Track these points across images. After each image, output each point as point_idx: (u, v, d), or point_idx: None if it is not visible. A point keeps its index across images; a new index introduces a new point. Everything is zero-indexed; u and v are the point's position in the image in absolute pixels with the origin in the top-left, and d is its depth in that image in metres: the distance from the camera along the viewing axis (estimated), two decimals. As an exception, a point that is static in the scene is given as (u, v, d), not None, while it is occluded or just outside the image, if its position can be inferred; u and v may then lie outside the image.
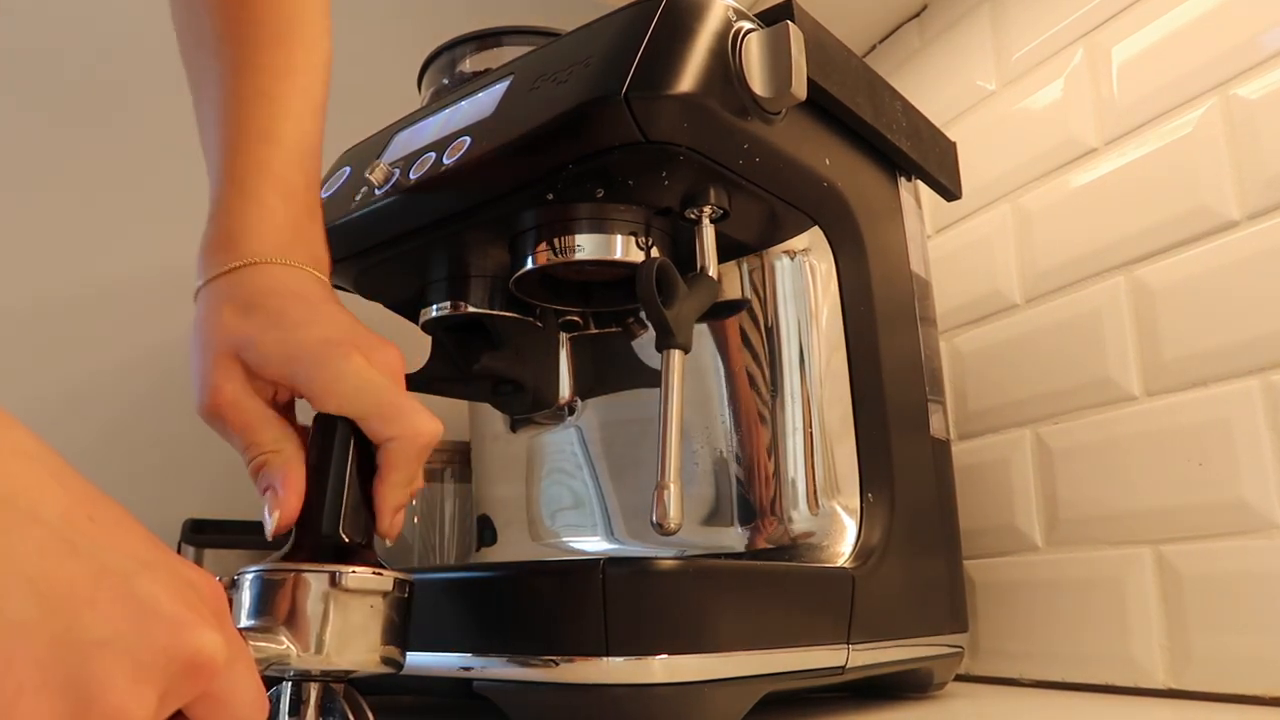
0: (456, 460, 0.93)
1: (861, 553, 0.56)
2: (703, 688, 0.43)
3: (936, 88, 0.88)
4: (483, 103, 0.56)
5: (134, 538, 0.30)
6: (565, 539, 0.69)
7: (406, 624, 0.41)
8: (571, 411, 0.67)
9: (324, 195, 0.64)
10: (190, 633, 0.27)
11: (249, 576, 0.39)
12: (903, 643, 0.58)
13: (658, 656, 0.42)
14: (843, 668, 0.52)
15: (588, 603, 0.42)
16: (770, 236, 0.61)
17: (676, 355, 0.49)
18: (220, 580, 0.34)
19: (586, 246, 0.55)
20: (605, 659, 0.42)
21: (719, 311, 0.63)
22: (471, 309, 0.61)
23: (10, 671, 0.24)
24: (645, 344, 0.66)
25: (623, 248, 0.55)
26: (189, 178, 1.01)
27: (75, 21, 0.98)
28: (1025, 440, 0.75)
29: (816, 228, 0.60)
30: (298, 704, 0.40)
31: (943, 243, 0.86)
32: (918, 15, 0.93)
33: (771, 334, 0.61)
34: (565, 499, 0.70)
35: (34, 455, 0.29)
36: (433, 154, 0.56)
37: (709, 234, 0.54)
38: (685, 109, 0.48)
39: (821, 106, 0.58)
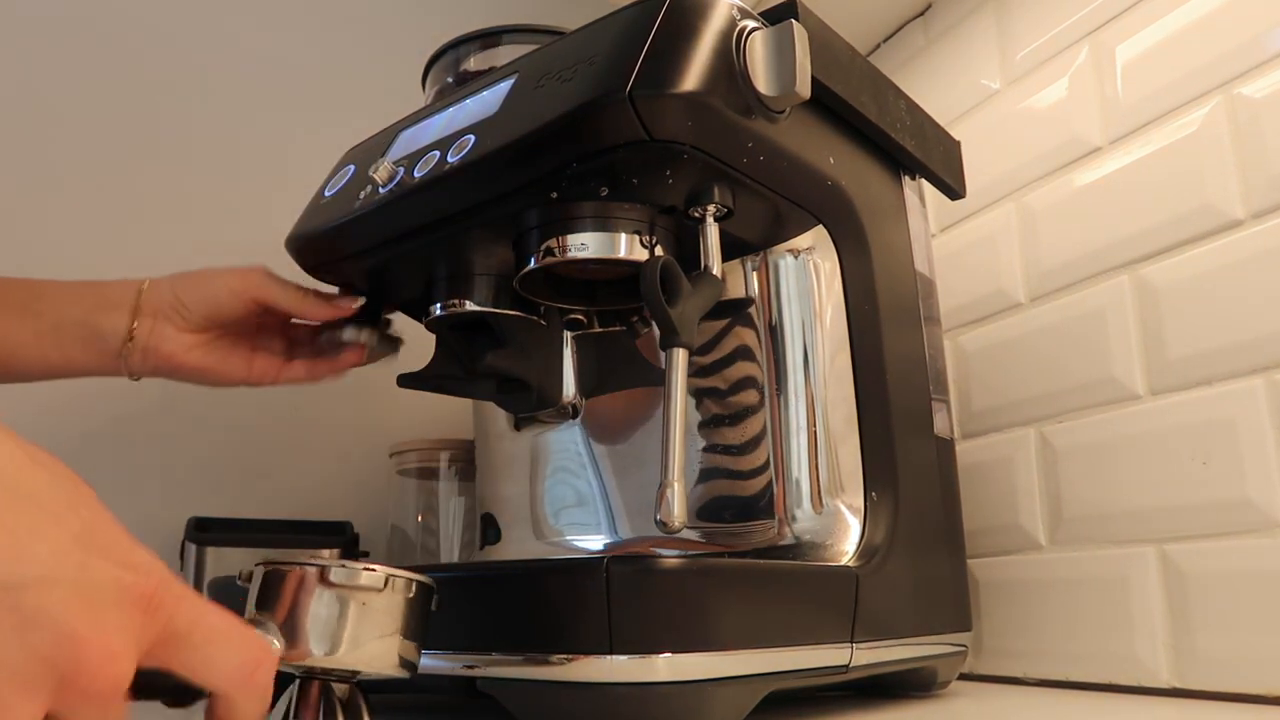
0: (460, 459, 0.93)
1: (865, 552, 0.56)
2: (706, 686, 0.43)
3: (941, 86, 0.88)
4: (487, 101, 0.56)
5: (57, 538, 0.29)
6: (569, 537, 0.69)
7: (423, 626, 0.41)
8: (575, 410, 0.67)
9: (328, 194, 0.64)
10: (78, 645, 0.28)
11: (258, 569, 0.39)
12: (906, 642, 0.58)
13: (661, 655, 0.42)
14: (846, 666, 0.52)
15: (592, 601, 0.42)
16: (774, 235, 0.61)
17: (680, 354, 0.49)
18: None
19: (590, 245, 0.55)
20: (609, 657, 0.42)
21: (722, 310, 0.63)
22: (476, 307, 0.61)
23: None
24: (649, 342, 0.66)
25: (627, 246, 0.55)
26: (190, 178, 1.01)
27: (74, 22, 0.99)
28: (1029, 439, 0.75)
29: (821, 226, 0.60)
30: (303, 704, 0.40)
31: (947, 241, 0.86)
32: (922, 14, 0.93)
33: (775, 333, 0.61)
34: (569, 497, 0.70)
35: None
36: (437, 152, 0.56)
37: (713, 233, 0.54)
38: (689, 108, 0.48)
39: (826, 105, 0.58)
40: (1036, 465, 0.74)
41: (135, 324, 0.68)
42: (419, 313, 0.67)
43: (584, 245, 0.55)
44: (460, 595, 0.49)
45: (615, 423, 0.69)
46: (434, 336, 0.69)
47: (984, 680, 0.75)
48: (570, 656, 0.43)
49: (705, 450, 0.63)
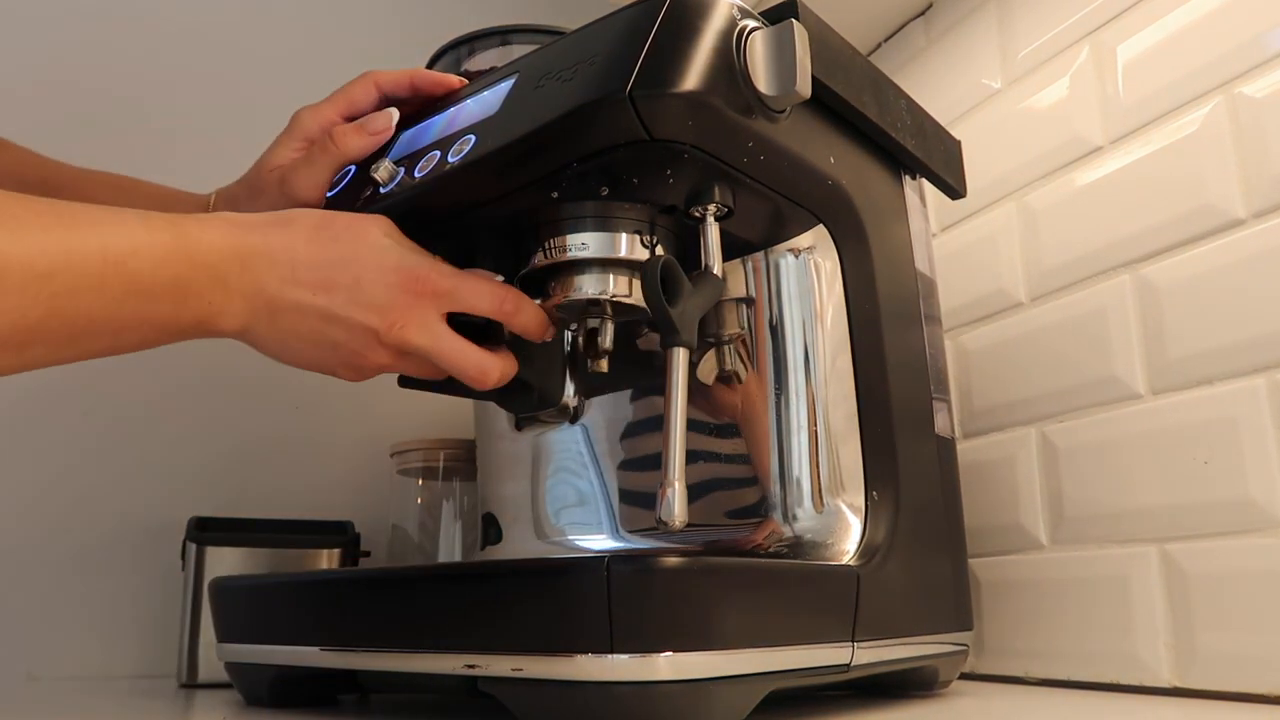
0: (462, 459, 0.93)
1: (866, 551, 0.56)
2: (708, 685, 0.43)
3: (942, 86, 0.88)
4: (487, 101, 0.56)
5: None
6: (570, 537, 0.69)
7: None
8: (576, 410, 0.67)
9: (329, 194, 0.64)
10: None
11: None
12: (908, 641, 0.58)
13: (663, 654, 0.42)
14: (848, 666, 0.52)
15: (593, 600, 0.42)
16: (775, 235, 0.61)
17: (681, 353, 0.49)
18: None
19: (591, 245, 0.55)
20: (610, 656, 0.42)
21: (723, 310, 0.63)
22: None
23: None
24: (650, 342, 0.66)
25: (627, 246, 0.55)
26: (190, 178, 1.01)
27: (71, 21, 0.99)
28: (1030, 438, 0.75)
29: (821, 226, 0.60)
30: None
31: (948, 241, 0.86)
32: (923, 13, 0.93)
33: (776, 332, 0.61)
34: (570, 497, 0.70)
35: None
36: (437, 152, 0.56)
37: (713, 232, 0.54)
38: (690, 107, 0.48)
39: (826, 105, 0.58)
40: (1038, 464, 0.74)
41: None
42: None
43: (584, 245, 0.55)
44: (462, 595, 0.49)
45: (616, 422, 0.69)
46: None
47: (985, 680, 0.75)
48: (571, 656, 0.43)
49: (706, 449, 0.63)
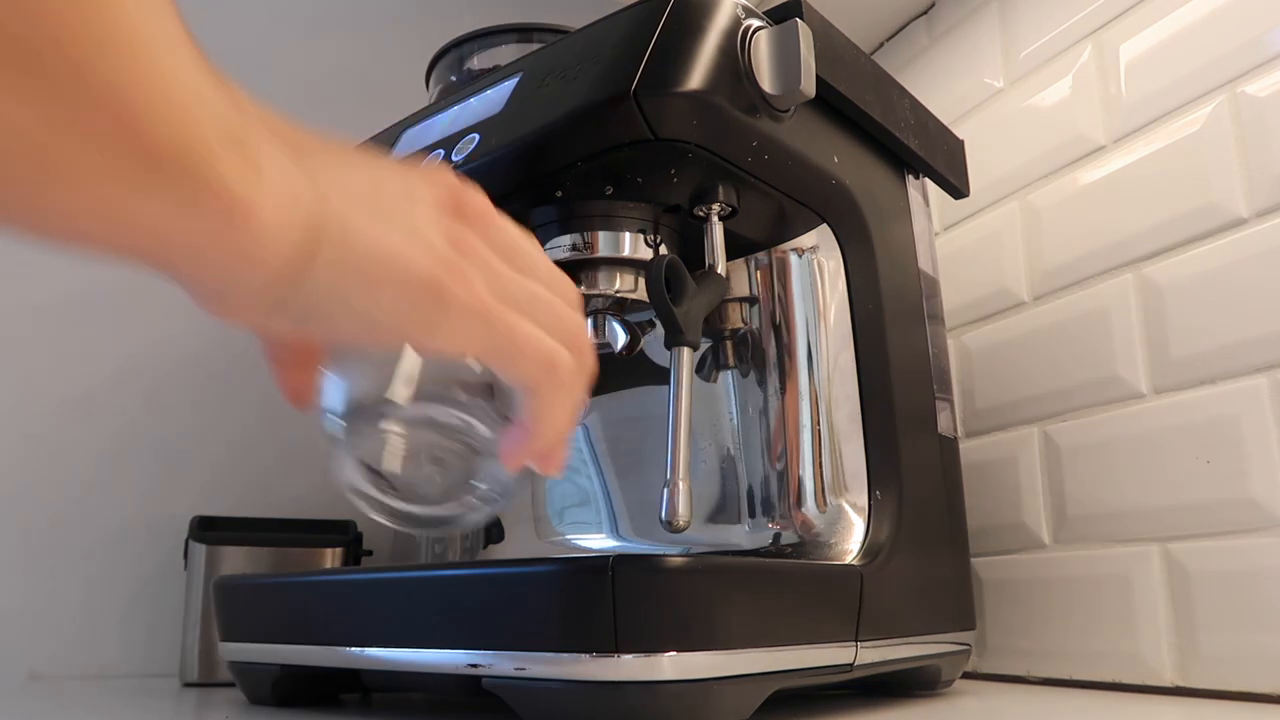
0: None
1: (869, 550, 0.56)
2: (712, 685, 0.43)
3: (945, 85, 0.88)
4: (491, 100, 0.56)
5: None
6: (571, 537, 0.70)
7: None
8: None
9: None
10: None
11: None
12: (911, 640, 0.58)
13: (667, 654, 0.42)
14: (851, 665, 0.52)
15: (597, 600, 0.42)
16: (779, 234, 0.61)
17: (685, 353, 0.49)
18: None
19: (595, 244, 0.55)
20: (614, 656, 0.42)
21: (727, 309, 0.63)
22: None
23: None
24: (653, 341, 0.66)
25: (631, 245, 0.55)
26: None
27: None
28: (1033, 438, 0.75)
29: (825, 225, 0.60)
30: None
31: (950, 240, 0.86)
32: (926, 13, 0.93)
33: (779, 331, 0.61)
34: (572, 497, 0.70)
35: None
36: (441, 151, 0.56)
37: (718, 231, 0.54)
38: (694, 107, 0.48)
39: (830, 104, 0.58)
40: (1040, 464, 0.74)
41: None
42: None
43: (588, 244, 0.55)
44: (465, 594, 0.49)
45: (618, 422, 0.69)
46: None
47: (988, 679, 0.75)
48: (575, 655, 0.43)
49: (710, 449, 0.63)
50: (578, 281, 0.56)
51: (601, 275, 0.56)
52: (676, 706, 0.43)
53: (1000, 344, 0.79)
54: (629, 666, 0.42)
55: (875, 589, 0.54)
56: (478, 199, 0.35)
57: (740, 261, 0.63)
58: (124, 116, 0.24)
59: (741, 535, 0.62)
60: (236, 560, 0.83)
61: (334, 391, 0.36)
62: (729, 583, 0.46)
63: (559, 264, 0.56)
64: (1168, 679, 0.63)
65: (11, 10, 0.22)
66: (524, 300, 0.34)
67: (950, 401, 0.67)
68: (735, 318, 0.63)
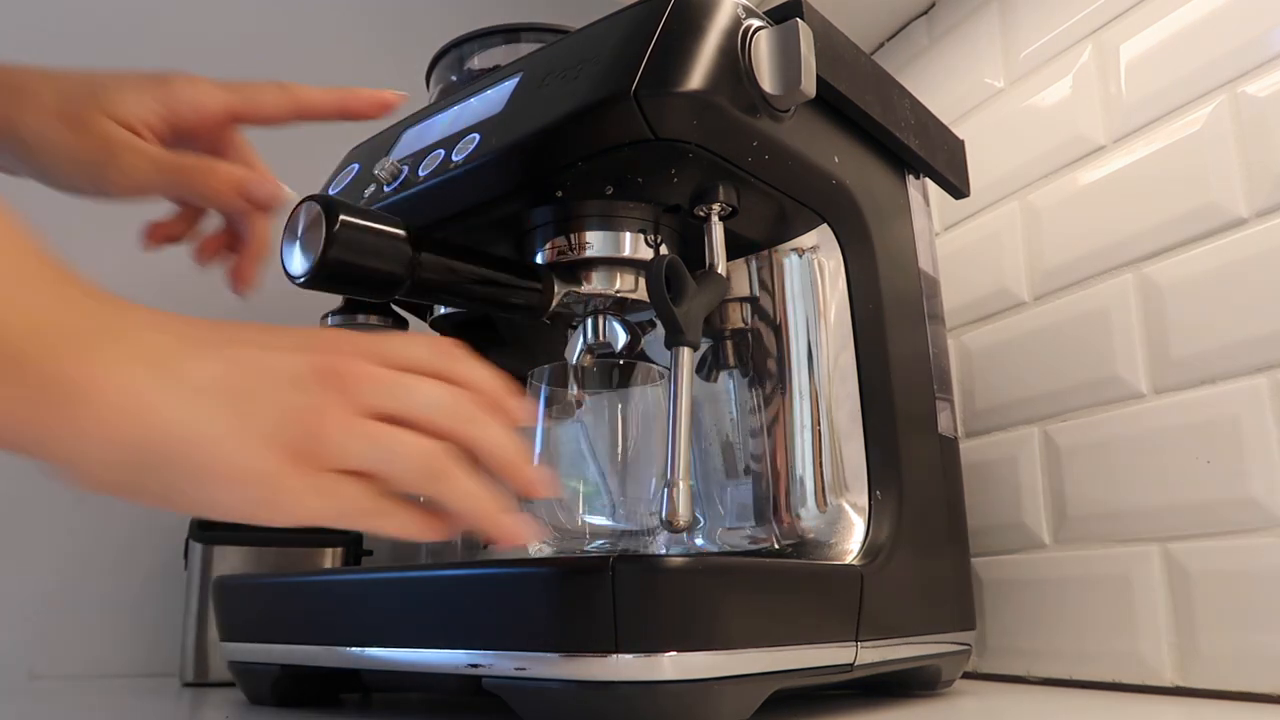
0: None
1: (870, 550, 0.56)
2: (712, 685, 0.43)
3: (945, 85, 0.88)
4: (492, 100, 0.56)
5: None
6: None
7: None
8: (579, 408, 0.67)
9: (332, 192, 0.64)
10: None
11: None
12: (911, 640, 0.58)
13: (667, 654, 0.42)
14: (851, 665, 0.52)
15: (597, 600, 0.42)
16: (779, 234, 0.61)
17: (685, 353, 0.49)
18: None
19: (595, 244, 0.55)
20: (615, 656, 0.42)
21: (727, 309, 0.63)
22: (479, 306, 0.61)
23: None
24: (653, 340, 0.66)
25: (631, 245, 0.55)
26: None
27: (76, 20, 0.99)
28: (1033, 438, 0.75)
29: (825, 225, 0.60)
30: None
31: (951, 240, 0.86)
32: (926, 13, 0.93)
33: (780, 332, 0.61)
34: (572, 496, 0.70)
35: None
36: (441, 151, 0.56)
37: (718, 231, 0.54)
38: (695, 106, 0.48)
39: (830, 104, 0.58)
40: (1040, 464, 0.74)
41: None
42: (423, 311, 0.68)
43: (589, 244, 0.55)
44: (465, 594, 0.49)
45: (617, 421, 0.69)
46: (437, 336, 0.69)
47: (988, 679, 0.75)
48: (576, 655, 0.43)
49: (710, 449, 0.63)
50: (578, 281, 0.56)
51: (602, 275, 0.56)
52: (676, 706, 0.43)
53: (1000, 344, 0.79)
54: (629, 666, 0.42)
55: (875, 589, 0.54)
56: (354, 365, 0.35)
57: (740, 261, 0.63)
58: None
59: (742, 535, 0.62)
60: (236, 560, 0.83)
61: None
62: (729, 582, 0.46)
63: (560, 264, 0.56)
64: (1168, 679, 0.63)
65: None
66: (398, 450, 0.35)
67: (950, 401, 0.67)
68: (735, 318, 0.63)
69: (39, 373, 0.28)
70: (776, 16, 0.54)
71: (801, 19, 0.51)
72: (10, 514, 0.87)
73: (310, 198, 0.48)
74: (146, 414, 0.30)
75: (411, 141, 0.61)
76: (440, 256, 0.51)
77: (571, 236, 0.55)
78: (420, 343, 0.39)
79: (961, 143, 0.74)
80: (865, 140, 0.62)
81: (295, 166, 0.98)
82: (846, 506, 0.58)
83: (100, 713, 0.62)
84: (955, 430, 0.68)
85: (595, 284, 0.56)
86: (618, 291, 0.57)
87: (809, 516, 0.59)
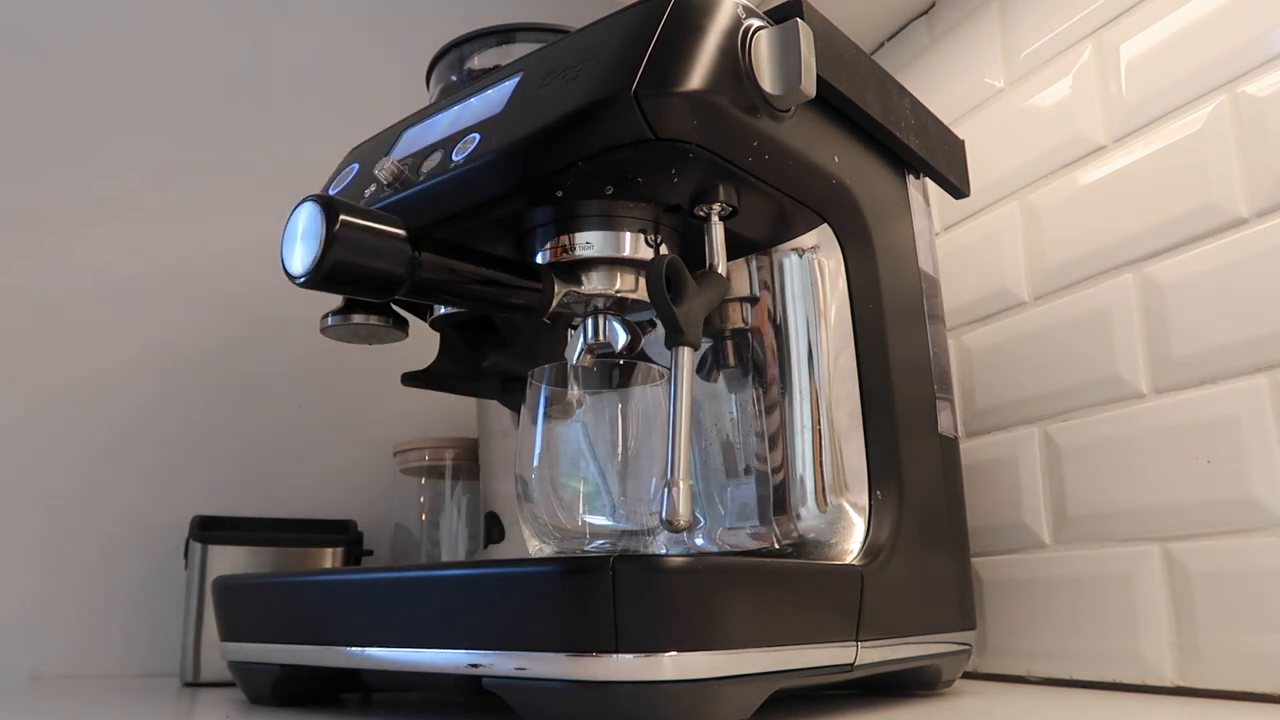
0: (464, 457, 0.93)
1: (870, 550, 0.56)
2: (712, 685, 0.43)
3: (945, 85, 0.88)
4: (492, 100, 0.56)
5: None
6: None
7: None
8: (580, 408, 0.67)
9: (331, 192, 0.64)
10: None
11: None
12: (911, 640, 0.58)
13: (667, 654, 0.42)
14: (852, 665, 0.52)
15: (597, 599, 0.42)
16: (779, 234, 0.61)
17: (686, 353, 0.49)
18: None
19: (595, 244, 0.55)
20: (615, 656, 0.42)
21: (727, 309, 0.63)
22: (480, 306, 0.60)
23: None
24: (654, 340, 0.66)
25: (631, 245, 0.55)
26: (190, 177, 1.01)
27: (87, 20, 0.99)
28: (1033, 438, 0.75)
29: (825, 225, 0.60)
30: None
31: (951, 240, 0.86)
32: (926, 13, 0.93)
33: (780, 331, 0.61)
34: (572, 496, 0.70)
35: None
36: (441, 151, 0.56)
37: (718, 231, 0.54)
38: (695, 106, 0.48)
39: (831, 104, 0.58)
40: (1040, 464, 0.74)
41: None
42: (423, 311, 0.68)
43: (589, 244, 0.55)
44: (465, 594, 0.49)
45: (618, 421, 0.69)
46: (438, 335, 0.69)
47: (988, 679, 0.75)
48: (576, 655, 0.43)
49: (710, 449, 0.63)
50: (578, 281, 0.56)
51: (602, 275, 0.56)
52: (677, 707, 0.43)
53: (1001, 344, 0.79)
54: (629, 666, 0.42)
55: (876, 589, 0.54)
56: None
57: (741, 261, 0.63)
58: None
59: (742, 535, 0.62)
60: (237, 560, 0.83)
61: None
62: (729, 582, 0.46)
63: (560, 264, 0.56)
64: (1168, 679, 0.63)
65: None
66: None
67: (951, 401, 0.67)
68: (736, 317, 0.63)
69: None
70: (777, 16, 0.54)
71: (801, 19, 0.51)
72: (10, 514, 0.87)
73: (310, 198, 0.48)
74: None
75: (411, 141, 0.61)
76: (440, 256, 0.51)
77: (572, 236, 0.55)
78: None
79: (962, 143, 0.74)
80: (865, 140, 0.62)
81: (296, 166, 0.98)
82: (847, 506, 0.58)
83: (101, 712, 0.62)
84: (955, 430, 0.68)
85: (595, 284, 0.56)
86: (618, 291, 0.57)
87: (809, 516, 0.59)
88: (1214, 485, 0.61)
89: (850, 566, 0.54)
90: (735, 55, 0.50)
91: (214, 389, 0.98)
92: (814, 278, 0.61)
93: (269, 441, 0.99)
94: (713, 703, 0.44)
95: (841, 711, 0.55)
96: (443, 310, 0.64)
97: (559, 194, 0.53)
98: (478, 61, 0.69)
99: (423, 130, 0.61)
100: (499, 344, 0.64)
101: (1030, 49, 0.80)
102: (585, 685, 0.42)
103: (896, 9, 0.93)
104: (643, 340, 0.65)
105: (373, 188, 0.60)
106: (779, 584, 0.49)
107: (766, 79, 0.51)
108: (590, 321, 0.59)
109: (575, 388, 0.64)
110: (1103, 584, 0.68)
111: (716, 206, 0.54)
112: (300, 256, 0.48)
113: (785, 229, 0.60)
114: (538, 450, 0.57)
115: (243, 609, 0.63)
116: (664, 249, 0.56)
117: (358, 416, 1.03)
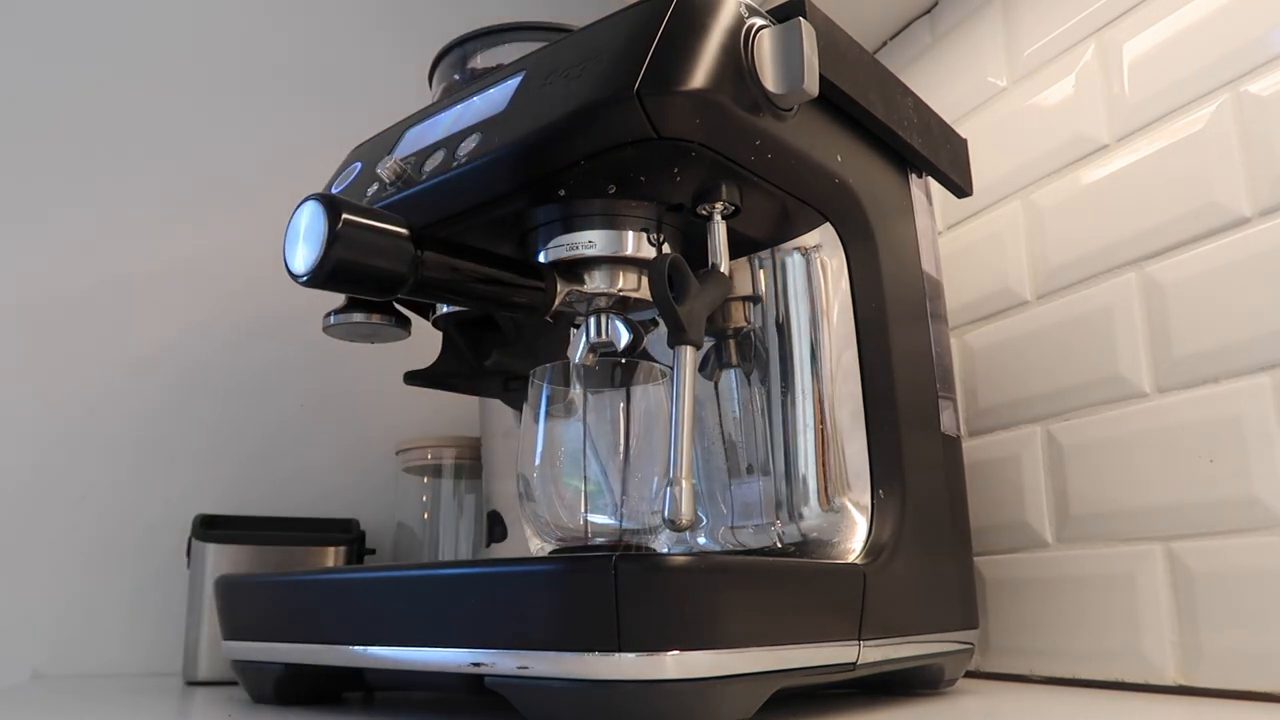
0: (466, 456, 0.93)
1: (873, 549, 0.56)
2: (714, 684, 0.43)
3: (948, 84, 0.88)
4: (494, 99, 0.56)
5: None
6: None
7: None
8: (582, 407, 0.67)
9: (334, 191, 0.64)
10: None
11: None
12: (914, 639, 0.58)
13: (670, 653, 0.42)
14: (854, 664, 0.52)
15: (600, 599, 0.42)
16: (782, 233, 0.61)
17: (689, 352, 0.49)
18: None
19: (598, 243, 0.55)
20: (617, 655, 0.42)
21: (730, 308, 0.63)
22: (482, 305, 0.60)
23: None
24: (656, 339, 0.66)
25: (634, 244, 0.55)
26: (191, 177, 1.01)
27: (86, 22, 0.99)
28: (1036, 437, 0.75)
29: (828, 224, 0.60)
30: None
31: (954, 239, 0.86)
32: (929, 12, 0.93)
33: (782, 331, 0.61)
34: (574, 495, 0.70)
35: None
36: (444, 150, 0.56)
37: (720, 230, 0.54)
38: (698, 105, 0.48)
39: (833, 103, 0.58)
40: (1043, 463, 0.74)
41: None
42: (426, 310, 0.68)
43: (591, 243, 0.55)
44: (468, 593, 0.49)
45: (619, 420, 0.69)
46: (440, 334, 0.69)
47: (990, 678, 0.75)
48: (578, 654, 0.43)
49: (713, 448, 0.63)
50: (581, 280, 0.56)
51: (604, 274, 0.56)
52: (679, 705, 0.43)
53: (1003, 343, 0.79)
54: (631, 665, 0.42)
55: (878, 588, 0.54)
56: None
57: (743, 260, 0.63)
58: None
59: (745, 534, 0.62)
60: (239, 559, 0.83)
61: None
62: (732, 581, 0.46)
63: (562, 263, 0.56)
64: (1171, 678, 0.63)
65: None
66: None
67: (953, 400, 0.67)
68: (738, 317, 0.63)
69: None
70: (779, 15, 0.53)
71: (804, 18, 0.51)
72: (13, 514, 0.87)
73: (313, 196, 0.48)
74: None
75: (414, 140, 0.61)
76: (443, 255, 0.51)
77: (574, 235, 0.55)
78: None
79: (964, 142, 0.74)
80: (868, 139, 0.62)
81: (298, 165, 0.98)
82: (849, 505, 0.58)
83: (103, 712, 0.62)
84: (958, 429, 0.68)
85: (598, 283, 0.56)
86: (620, 290, 0.57)
87: (812, 515, 0.59)
88: (1216, 484, 0.61)
89: (852, 565, 0.54)
90: (738, 54, 0.50)
91: (216, 388, 0.98)
92: (816, 277, 0.61)
93: (271, 441, 0.99)
94: (715, 702, 0.44)
95: (844, 711, 0.55)
96: (445, 309, 0.64)
97: (561, 193, 0.54)
98: (480, 60, 0.69)
99: (425, 129, 0.61)
100: (501, 343, 0.64)
101: (1033, 48, 0.79)
102: (587, 684, 0.42)
103: (899, 8, 0.93)
104: (645, 339, 0.65)
105: (375, 186, 0.60)
106: (781, 583, 0.49)
107: (769, 78, 0.51)
108: (593, 320, 0.59)
109: (577, 387, 0.64)
110: (1105, 583, 0.68)
111: (719, 205, 0.54)
112: (303, 255, 0.48)
113: (788, 228, 0.60)
114: (540, 449, 0.57)
115: (245, 608, 0.63)
116: (666, 248, 0.56)
117: (360, 415, 1.03)
